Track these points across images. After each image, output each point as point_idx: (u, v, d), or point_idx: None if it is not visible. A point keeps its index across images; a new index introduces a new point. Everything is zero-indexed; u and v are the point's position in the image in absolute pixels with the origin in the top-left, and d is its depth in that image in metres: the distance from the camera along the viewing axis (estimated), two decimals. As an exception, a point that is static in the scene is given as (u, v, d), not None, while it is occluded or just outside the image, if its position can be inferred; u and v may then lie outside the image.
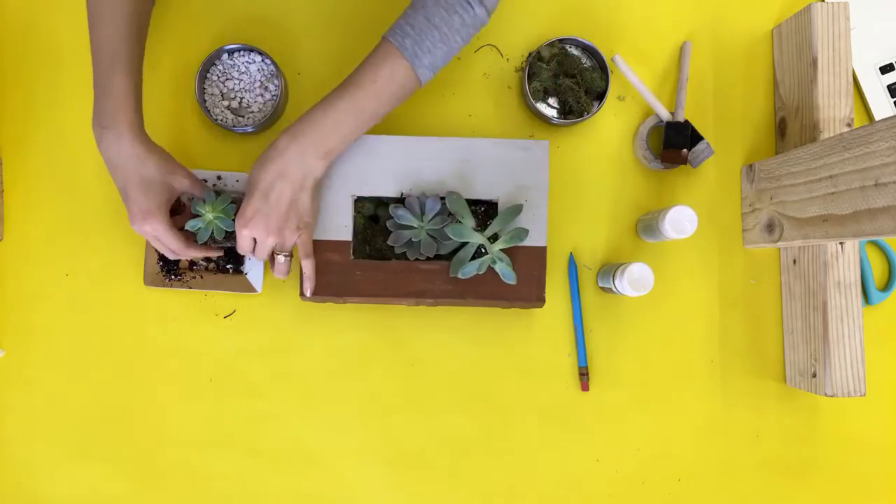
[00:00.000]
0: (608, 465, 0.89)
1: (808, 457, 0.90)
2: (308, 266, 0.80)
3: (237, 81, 0.88)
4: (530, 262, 0.83)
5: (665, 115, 0.88)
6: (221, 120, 0.88)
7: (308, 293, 0.81)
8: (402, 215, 0.80)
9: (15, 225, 0.90)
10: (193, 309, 0.89)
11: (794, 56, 0.88)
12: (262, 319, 0.89)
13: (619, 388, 0.89)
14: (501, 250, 0.80)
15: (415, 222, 0.80)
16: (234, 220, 0.79)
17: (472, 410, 0.89)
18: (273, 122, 0.89)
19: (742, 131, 0.92)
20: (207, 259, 0.88)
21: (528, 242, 0.82)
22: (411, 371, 0.89)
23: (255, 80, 0.89)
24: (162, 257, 0.87)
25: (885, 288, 0.91)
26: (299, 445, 0.88)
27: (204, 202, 0.79)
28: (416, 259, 0.82)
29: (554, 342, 0.89)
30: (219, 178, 0.88)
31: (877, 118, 0.92)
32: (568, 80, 0.88)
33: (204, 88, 0.88)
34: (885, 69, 0.91)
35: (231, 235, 0.81)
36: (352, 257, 0.83)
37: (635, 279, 0.80)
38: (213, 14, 0.91)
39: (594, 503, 0.89)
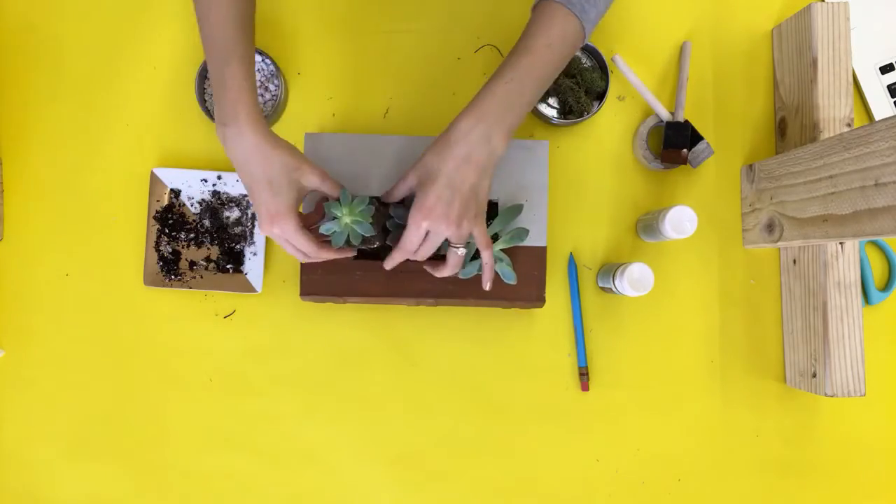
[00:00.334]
0: (608, 465, 0.89)
1: (808, 457, 0.90)
2: (488, 257, 0.73)
3: (237, 81, 0.88)
4: (530, 262, 0.83)
5: (665, 115, 0.88)
6: (221, 120, 0.88)
7: (488, 287, 0.76)
8: (403, 215, 0.80)
9: (15, 225, 0.90)
10: (193, 309, 0.89)
11: (794, 56, 0.88)
12: (262, 319, 0.89)
13: (619, 388, 0.89)
14: (502, 250, 0.80)
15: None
16: (371, 223, 0.74)
17: (472, 410, 0.89)
18: (273, 122, 0.89)
19: (742, 131, 0.92)
20: (207, 259, 0.88)
21: (528, 242, 0.82)
22: (411, 371, 0.89)
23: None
24: (162, 257, 0.87)
25: (885, 288, 0.91)
26: (299, 445, 0.88)
27: (339, 203, 0.72)
28: (418, 259, 0.81)
29: (554, 342, 0.89)
30: (219, 177, 0.88)
31: (877, 118, 0.92)
32: (568, 80, 0.88)
33: (204, 88, 0.88)
34: (885, 69, 0.91)
35: (368, 239, 0.75)
36: (352, 257, 0.82)
37: (635, 279, 0.80)
38: (213, 14, 0.91)
39: (594, 503, 0.89)
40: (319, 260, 0.74)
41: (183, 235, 0.88)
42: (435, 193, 0.68)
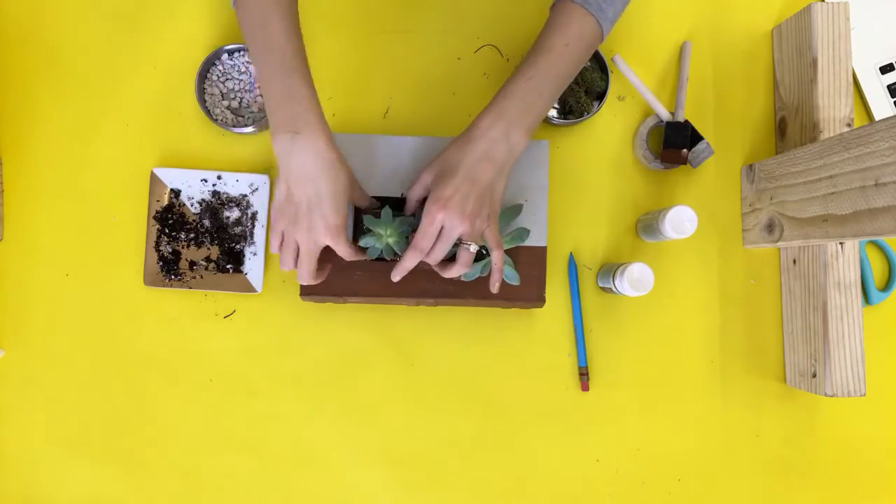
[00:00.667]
0: (608, 465, 0.89)
1: (808, 457, 0.90)
2: (498, 258, 0.73)
3: (237, 81, 0.88)
4: (530, 262, 0.83)
5: (665, 115, 0.88)
6: (221, 120, 0.88)
7: (496, 289, 0.75)
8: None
9: (15, 225, 0.90)
10: (193, 309, 0.89)
11: (794, 56, 0.88)
12: (262, 319, 0.89)
13: (619, 388, 0.89)
14: (504, 251, 0.80)
15: (416, 223, 0.80)
16: (407, 242, 0.75)
17: (472, 410, 0.89)
18: (273, 122, 0.89)
19: (742, 131, 0.92)
20: (207, 259, 0.88)
21: (528, 242, 0.82)
22: (411, 371, 0.89)
23: (255, 80, 0.89)
24: (162, 257, 0.87)
25: (885, 288, 0.91)
26: (299, 445, 0.88)
27: (382, 221, 0.75)
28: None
29: (554, 342, 0.89)
30: (219, 177, 0.88)
31: (877, 118, 0.92)
32: (568, 80, 0.88)
33: (204, 88, 0.88)
34: (885, 69, 0.91)
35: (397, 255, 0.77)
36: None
37: (635, 279, 0.80)
38: (213, 14, 0.91)
39: (594, 503, 0.89)
40: (316, 280, 0.74)
41: (183, 235, 0.88)
42: (453, 185, 0.68)
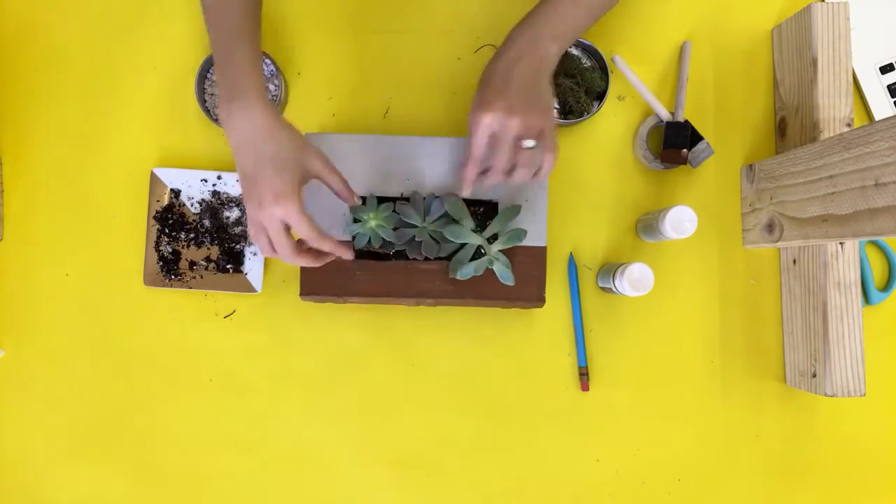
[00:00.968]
0: (608, 465, 0.89)
1: (808, 457, 0.90)
2: (550, 161, 0.72)
3: (237, 81, 0.88)
4: (530, 262, 0.83)
5: (665, 115, 0.88)
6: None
7: (542, 176, 0.73)
8: (408, 213, 0.80)
9: (15, 225, 0.90)
10: (193, 309, 0.89)
11: (794, 56, 0.88)
12: (262, 319, 0.89)
13: (619, 388, 0.89)
14: (500, 251, 0.80)
15: (418, 221, 0.80)
16: (395, 228, 0.77)
17: (472, 410, 0.89)
18: (273, 122, 0.89)
19: (742, 131, 0.92)
20: (207, 259, 0.88)
21: (528, 242, 0.82)
22: (411, 371, 0.89)
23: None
24: (162, 257, 0.87)
25: (885, 288, 0.91)
26: (299, 445, 0.88)
27: (366, 207, 0.77)
28: (416, 259, 0.82)
29: (554, 342, 0.89)
30: (219, 177, 0.88)
31: (877, 118, 0.92)
32: (568, 80, 0.88)
33: (204, 88, 0.88)
34: (885, 69, 0.91)
35: (388, 243, 0.79)
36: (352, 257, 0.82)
37: (635, 279, 0.80)
38: (213, 14, 0.91)
39: (594, 503, 0.89)
40: (321, 248, 0.70)
41: (183, 235, 0.88)
42: (491, 89, 0.68)
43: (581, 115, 0.88)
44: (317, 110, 0.90)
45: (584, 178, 0.90)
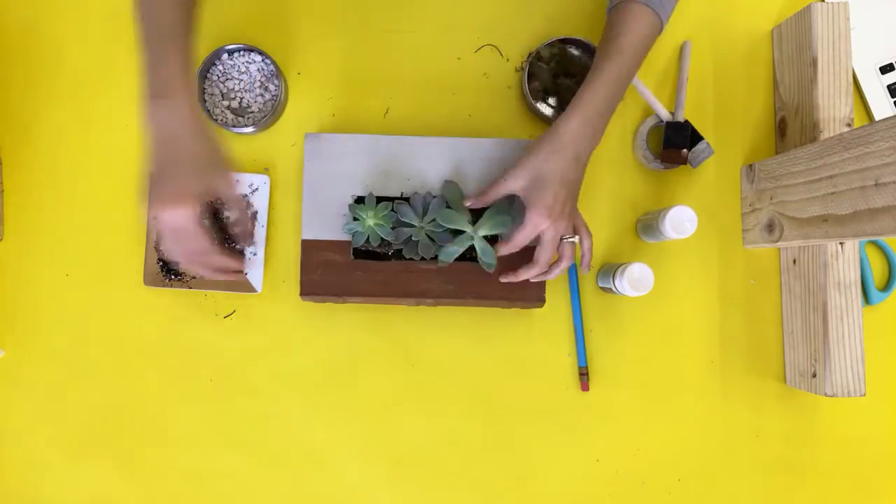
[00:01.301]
0: (608, 465, 0.89)
1: (808, 457, 0.90)
2: (589, 245, 0.79)
3: (237, 81, 0.88)
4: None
5: (665, 115, 0.88)
6: (221, 120, 0.88)
7: (587, 270, 0.80)
8: (406, 212, 0.80)
9: (15, 225, 0.90)
10: (193, 309, 0.89)
11: (794, 56, 0.88)
12: (262, 319, 0.89)
13: (619, 388, 0.89)
14: (483, 237, 0.80)
15: (416, 221, 0.80)
16: (392, 227, 0.80)
17: (471, 410, 0.89)
18: (273, 121, 0.89)
19: (742, 131, 0.92)
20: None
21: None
22: (412, 371, 0.89)
23: (255, 80, 0.89)
24: (162, 257, 0.87)
25: (885, 288, 0.91)
26: (299, 445, 0.88)
27: (365, 206, 0.79)
28: (412, 259, 0.82)
29: (554, 342, 0.89)
30: None
31: (877, 118, 0.92)
32: (568, 80, 0.88)
33: (204, 88, 0.88)
34: (885, 69, 0.91)
35: (385, 242, 0.81)
36: (352, 257, 0.83)
37: (635, 279, 0.80)
38: (213, 14, 0.91)
39: (594, 503, 0.89)
40: (207, 265, 0.71)
41: None
42: (552, 194, 0.73)
43: (581, 115, 0.88)
44: (317, 110, 0.90)
45: (584, 178, 0.90)
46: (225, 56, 0.88)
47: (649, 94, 0.88)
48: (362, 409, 0.89)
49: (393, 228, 0.81)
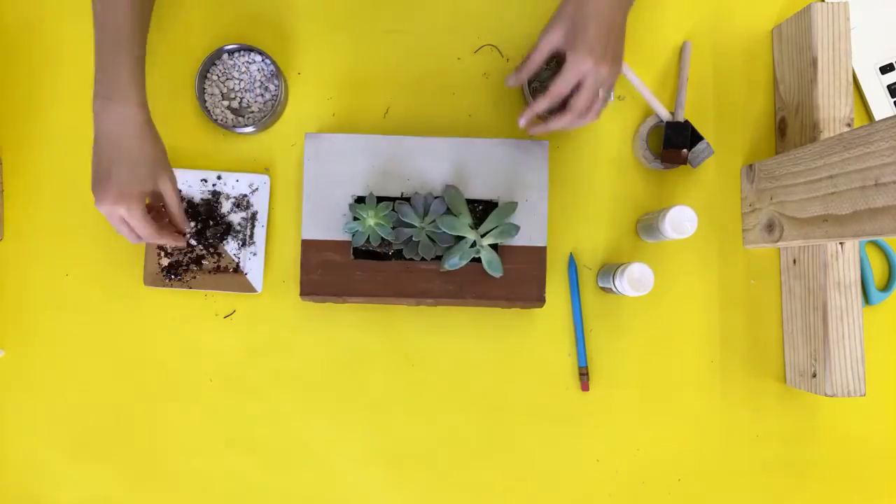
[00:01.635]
0: (608, 465, 0.89)
1: (808, 457, 0.90)
2: (604, 96, 0.74)
3: (237, 81, 0.88)
4: (530, 262, 0.83)
5: (665, 115, 0.88)
6: (221, 120, 0.88)
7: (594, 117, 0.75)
8: (407, 212, 0.80)
9: (15, 225, 0.90)
10: (193, 309, 0.89)
11: (794, 56, 0.88)
12: (262, 319, 0.89)
13: (619, 388, 0.89)
14: (490, 246, 0.80)
15: (416, 221, 0.80)
16: (393, 227, 0.79)
17: (472, 410, 0.89)
18: (273, 121, 0.89)
19: (742, 131, 0.92)
20: (199, 256, 0.87)
21: (528, 242, 0.82)
22: (411, 371, 0.89)
23: (255, 80, 0.89)
24: (167, 255, 0.87)
25: (885, 288, 0.91)
26: (299, 445, 0.88)
27: (365, 205, 0.80)
28: (413, 259, 0.82)
29: (554, 342, 0.89)
30: (219, 177, 0.88)
31: (877, 118, 0.92)
32: (568, 80, 0.88)
33: (204, 88, 0.88)
34: (885, 69, 0.91)
35: (385, 242, 0.81)
36: (352, 257, 0.83)
37: (635, 279, 0.80)
38: (213, 14, 0.91)
39: (594, 503, 0.89)
40: (155, 242, 0.77)
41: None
42: (594, 34, 0.68)
43: (581, 115, 0.88)
44: (317, 110, 0.90)
45: (584, 178, 0.90)
46: (225, 56, 0.88)
47: (649, 94, 0.88)
48: (362, 409, 0.89)
49: (393, 228, 0.81)
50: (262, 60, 0.88)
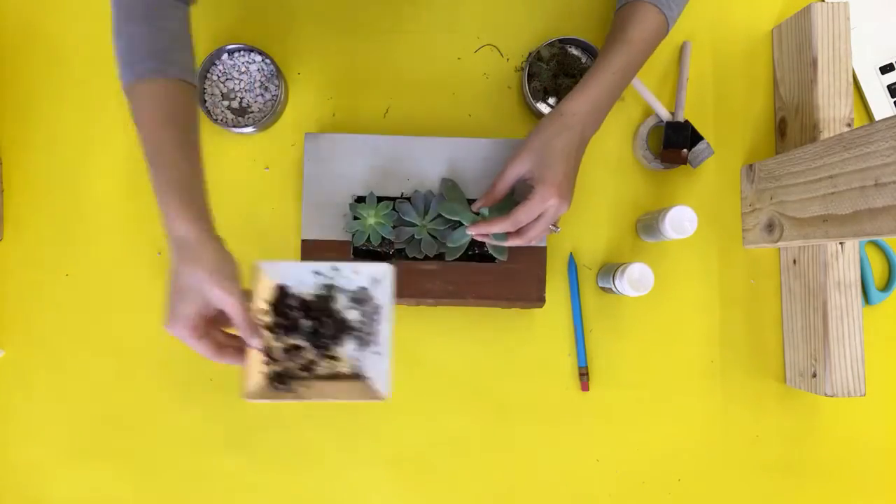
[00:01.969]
0: (608, 465, 0.89)
1: (808, 457, 0.90)
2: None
3: (237, 81, 0.88)
4: (530, 262, 0.83)
5: (665, 115, 0.88)
6: (221, 120, 0.88)
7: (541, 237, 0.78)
8: (407, 210, 0.81)
9: (15, 225, 0.90)
10: (193, 309, 0.89)
11: (794, 56, 0.88)
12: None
13: (619, 388, 0.89)
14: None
15: (417, 220, 0.80)
16: (393, 226, 0.80)
17: (472, 410, 0.89)
18: (273, 121, 0.89)
19: (742, 131, 0.92)
20: (310, 362, 0.72)
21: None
22: (411, 371, 0.89)
23: (255, 80, 0.89)
24: (272, 360, 0.72)
25: (885, 288, 0.91)
26: (299, 445, 0.88)
27: (366, 205, 0.80)
28: (415, 258, 0.82)
29: (554, 342, 0.89)
30: (335, 269, 0.71)
31: (877, 118, 0.92)
32: (568, 80, 0.88)
33: (204, 88, 0.88)
34: (885, 69, 0.91)
35: (387, 241, 0.81)
36: (352, 257, 0.83)
37: (635, 279, 0.80)
38: (213, 14, 0.91)
39: (594, 503, 0.89)
40: (220, 363, 0.70)
41: (292, 339, 0.72)
42: (562, 171, 0.73)
43: (581, 115, 0.88)
44: (317, 110, 0.90)
45: (584, 178, 0.90)
46: (225, 56, 0.88)
47: (649, 94, 0.88)
48: (362, 409, 0.89)
49: (394, 227, 0.81)
50: (262, 60, 0.88)
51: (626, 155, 0.91)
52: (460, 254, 0.80)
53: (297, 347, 0.71)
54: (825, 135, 0.83)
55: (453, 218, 0.80)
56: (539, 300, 0.83)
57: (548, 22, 0.92)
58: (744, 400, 0.90)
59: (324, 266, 0.71)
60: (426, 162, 0.83)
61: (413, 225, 0.81)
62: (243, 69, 0.88)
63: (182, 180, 0.67)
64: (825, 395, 0.83)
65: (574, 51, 0.89)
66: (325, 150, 0.84)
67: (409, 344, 0.89)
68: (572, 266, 0.89)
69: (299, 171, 0.89)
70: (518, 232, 0.76)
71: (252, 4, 0.91)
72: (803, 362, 0.86)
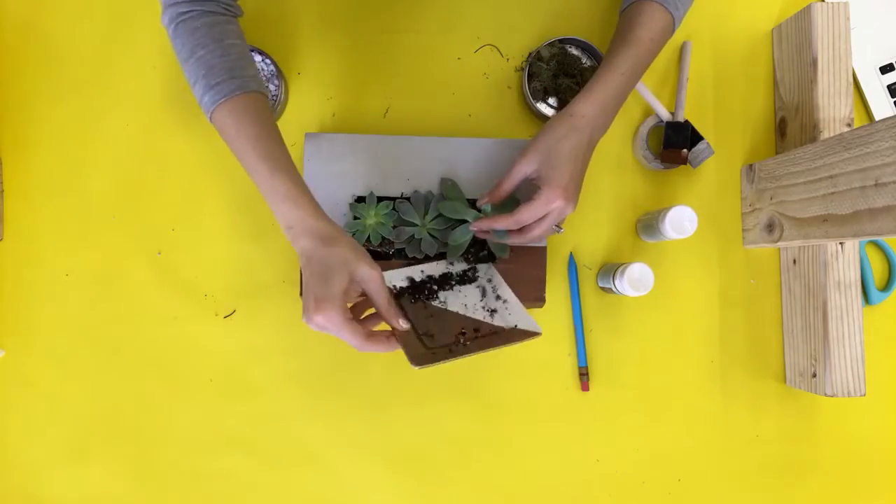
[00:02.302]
0: (608, 465, 0.89)
1: (808, 457, 0.90)
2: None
3: (237, 81, 0.88)
4: (530, 262, 0.83)
5: (665, 115, 0.88)
6: (221, 120, 0.88)
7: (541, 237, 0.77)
8: (407, 210, 0.81)
9: (15, 225, 0.90)
10: (193, 309, 0.89)
11: (794, 56, 0.88)
12: (262, 319, 0.89)
13: (619, 388, 0.89)
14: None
15: (417, 220, 0.81)
16: (394, 226, 0.80)
17: (471, 410, 0.89)
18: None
19: (742, 131, 0.92)
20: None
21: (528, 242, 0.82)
22: (411, 371, 0.88)
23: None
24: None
25: (885, 288, 0.91)
26: (299, 445, 0.88)
27: (366, 204, 0.80)
28: (415, 258, 0.82)
29: (554, 342, 0.89)
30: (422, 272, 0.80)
31: (877, 118, 0.92)
32: (568, 79, 0.88)
33: (204, 88, 0.88)
34: (885, 69, 0.91)
35: (387, 241, 0.81)
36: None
37: (635, 279, 0.80)
38: (213, 14, 0.91)
39: (594, 503, 0.89)
40: (366, 351, 0.70)
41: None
42: (569, 173, 0.73)
43: (581, 115, 0.88)
44: (317, 110, 0.90)
45: (584, 178, 0.90)
46: (225, 56, 0.88)
47: (649, 94, 0.88)
48: (362, 409, 0.89)
49: (394, 227, 0.81)
50: (262, 60, 0.88)
51: (626, 155, 0.91)
52: (461, 252, 0.80)
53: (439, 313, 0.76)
54: (825, 135, 0.83)
55: (454, 217, 0.80)
56: (539, 300, 0.83)
57: (548, 22, 0.92)
58: (744, 400, 0.90)
59: (413, 270, 0.80)
60: (426, 162, 0.83)
61: (413, 225, 0.81)
62: (243, 69, 0.88)
63: (301, 182, 0.70)
64: (825, 395, 0.83)
65: (574, 51, 0.89)
66: (325, 150, 0.84)
67: (409, 344, 0.89)
68: (572, 266, 0.89)
69: (299, 171, 0.89)
70: (520, 230, 0.76)
71: (252, 4, 0.91)
72: (803, 362, 0.86)
